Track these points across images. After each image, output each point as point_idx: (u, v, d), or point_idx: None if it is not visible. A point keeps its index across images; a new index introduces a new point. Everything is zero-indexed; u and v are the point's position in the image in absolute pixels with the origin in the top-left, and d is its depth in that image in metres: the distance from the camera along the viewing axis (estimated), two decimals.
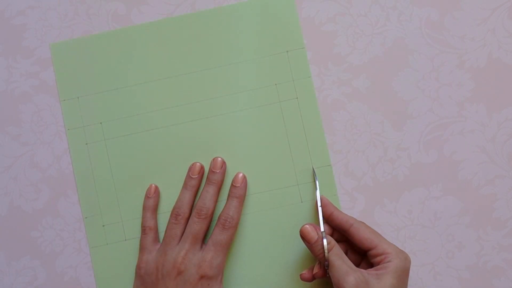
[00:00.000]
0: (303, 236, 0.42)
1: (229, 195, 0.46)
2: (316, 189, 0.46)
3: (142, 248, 0.46)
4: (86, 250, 0.48)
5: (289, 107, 0.47)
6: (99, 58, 0.49)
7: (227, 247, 0.44)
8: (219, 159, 0.47)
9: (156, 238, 0.47)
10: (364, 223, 0.44)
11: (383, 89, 0.48)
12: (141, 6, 0.49)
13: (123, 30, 0.49)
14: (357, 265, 0.44)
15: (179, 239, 0.45)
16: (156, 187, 0.48)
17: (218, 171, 0.46)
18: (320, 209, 0.44)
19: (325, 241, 0.41)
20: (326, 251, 0.41)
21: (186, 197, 0.46)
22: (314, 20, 0.48)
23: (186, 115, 0.48)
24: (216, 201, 0.46)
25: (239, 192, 0.46)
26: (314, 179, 0.46)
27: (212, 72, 0.48)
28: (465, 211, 0.47)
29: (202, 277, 0.43)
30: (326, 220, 0.45)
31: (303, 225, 0.42)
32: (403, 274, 0.41)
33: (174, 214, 0.46)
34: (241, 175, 0.47)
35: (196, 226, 0.44)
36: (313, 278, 0.44)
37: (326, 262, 0.41)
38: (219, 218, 0.45)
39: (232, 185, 0.46)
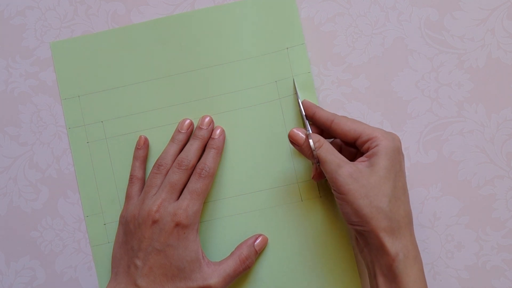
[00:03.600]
0: (292, 140, 0.43)
1: (207, 147, 0.47)
2: (297, 96, 0.46)
3: (127, 197, 0.47)
4: (85, 250, 0.48)
5: (289, 103, 0.47)
6: (99, 56, 0.49)
7: (203, 196, 0.44)
8: (208, 117, 0.47)
9: (142, 189, 0.47)
10: (346, 117, 0.43)
11: (382, 89, 0.48)
12: (141, 6, 0.49)
13: (124, 29, 0.49)
14: (353, 160, 0.44)
15: (158, 189, 0.45)
16: (146, 138, 0.48)
17: (205, 128, 0.47)
18: (301, 107, 0.45)
19: (311, 142, 0.41)
20: (312, 147, 0.41)
21: (171, 150, 0.46)
22: (314, 20, 0.48)
23: (186, 113, 0.48)
24: (199, 156, 0.46)
25: (217, 144, 0.46)
26: (294, 86, 0.47)
27: (212, 70, 0.48)
28: (464, 211, 0.47)
29: (177, 224, 0.42)
30: (311, 121, 0.45)
31: (291, 129, 0.43)
32: (395, 154, 0.40)
33: (157, 164, 0.46)
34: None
35: (175, 176, 0.44)
36: (319, 177, 0.45)
37: (315, 159, 0.41)
38: (196, 168, 0.45)
39: (211, 137, 0.47)
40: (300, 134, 0.42)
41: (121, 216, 0.46)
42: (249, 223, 0.47)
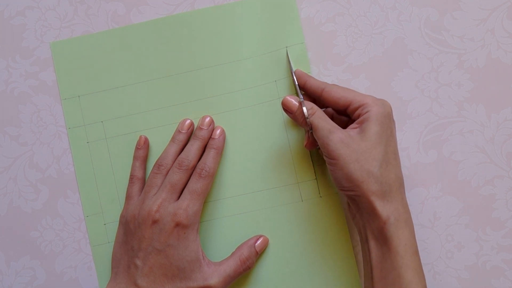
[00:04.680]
0: (285, 107, 0.43)
1: (207, 147, 0.47)
2: (290, 66, 0.47)
3: (127, 197, 0.47)
4: (85, 250, 0.48)
5: None
6: (99, 56, 0.49)
7: (203, 196, 0.44)
8: (208, 118, 0.47)
9: (142, 189, 0.47)
10: (337, 85, 0.44)
11: (382, 89, 0.48)
12: (141, 6, 0.49)
13: (124, 29, 0.49)
14: (344, 128, 0.44)
15: (158, 189, 0.45)
16: (146, 138, 0.48)
17: (205, 128, 0.47)
18: (294, 77, 0.45)
19: (305, 109, 0.41)
20: (306, 113, 0.41)
21: (172, 150, 0.46)
22: (314, 20, 0.49)
23: (186, 113, 0.48)
24: (199, 156, 0.46)
25: (217, 144, 0.46)
26: (288, 56, 0.47)
27: (212, 70, 0.48)
28: (464, 211, 0.47)
29: (177, 224, 0.42)
30: (303, 90, 0.45)
31: (284, 97, 0.43)
32: (386, 120, 0.40)
33: (157, 164, 0.46)
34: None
35: (176, 176, 0.44)
36: (312, 146, 0.45)
37: (308, 126, 0.41)
38: (196, 168, 0.45)
39: (211, 137, 0.47)
40: (293, 101, 0.43)
41: (121, 216, 0.46)
42: (249, 223, 0.47)
